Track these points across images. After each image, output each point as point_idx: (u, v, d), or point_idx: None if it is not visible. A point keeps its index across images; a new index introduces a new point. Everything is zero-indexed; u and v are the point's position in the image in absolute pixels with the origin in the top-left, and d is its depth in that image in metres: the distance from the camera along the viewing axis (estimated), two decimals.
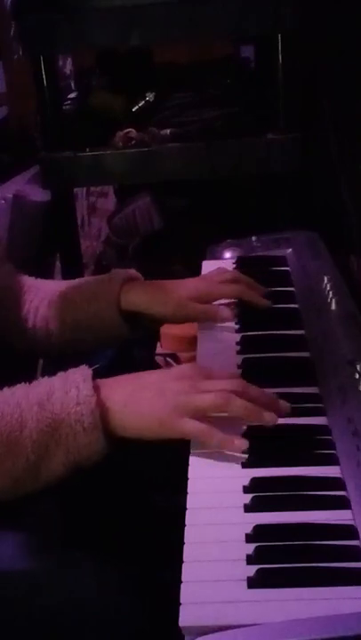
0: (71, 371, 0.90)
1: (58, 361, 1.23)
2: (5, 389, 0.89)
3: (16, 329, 1.27)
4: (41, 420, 0.85)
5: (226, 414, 0.88)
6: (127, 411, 0.88)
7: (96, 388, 0.87)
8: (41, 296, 1.27)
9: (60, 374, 0.90)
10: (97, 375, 0.91)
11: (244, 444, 0.87)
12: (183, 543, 0.76)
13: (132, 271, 1.27)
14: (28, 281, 1.31)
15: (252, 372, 1.03)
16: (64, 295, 1.25)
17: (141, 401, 0.88)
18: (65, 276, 2.09)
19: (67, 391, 0.86)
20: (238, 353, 1.11)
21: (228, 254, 1.45)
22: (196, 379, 0.90)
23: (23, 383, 0.89)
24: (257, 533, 0.77)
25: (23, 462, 0.85)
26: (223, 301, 1.22)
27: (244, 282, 1.23)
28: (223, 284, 1.22)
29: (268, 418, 0.88)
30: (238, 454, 0.88)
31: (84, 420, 0.85)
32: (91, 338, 1.25)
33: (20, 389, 0.89)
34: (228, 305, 1.22)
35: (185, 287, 1.22)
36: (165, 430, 0.87)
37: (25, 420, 0.85)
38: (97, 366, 0.94)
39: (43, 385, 0.89)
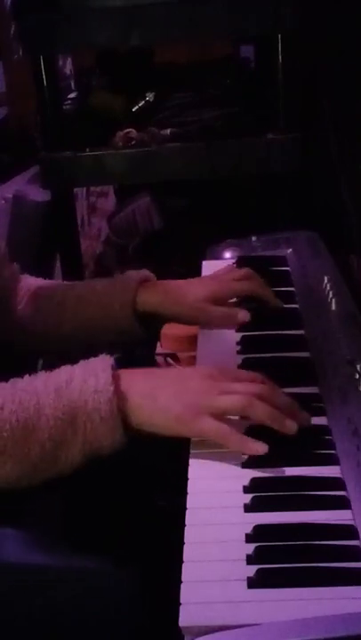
0: (92, 359, 0.89)
1: (58, 360, 1.23)
2: (26, 377, 0.88)
3: (16, 329, 1.27)
4: (58, 408, 0.84)
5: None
6: (145, 404, 0.86)
7: (116, 378, 0.86)
8: (44, 296, 1.27)
9: (82, 362, 0.88)
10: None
11: (262, 447, 0.85)
12: (183, 543, 0.76)
13: (146, 272, 1.26)
14: (31, 281, 1.31)
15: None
16: (77, 296, 1.25)
17: (161, 396, 0.87)
18: (65, 276, 2.09)
19: (85, 379, 0.85)
20: (238, 353, 1.11)
21: (228, 254, 1.45)
22: (219, 379, 0.89)
23: (44, 371, 0.88)
24: (257, 533, 0.77)
25: (39, 449, 0.84)
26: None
27: (256, 279, 1.23)
28: (236, 282, 1.22)
29: (290, 426, 0.87)
30: (238, 454, 0.88)
31: (101, 409, 0.84)
32: (104, 339, 1.24)
33: (40, 376, 0.88)
34: (237, 304, 1.21)
35: (199, 287, 1.22)
36: (182, 428, 0.86)
37: (42, 407, 0.84)
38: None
39: (63, 372, 0.88)
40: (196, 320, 1.21)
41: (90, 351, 0.94)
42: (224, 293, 1.21)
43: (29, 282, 1.31)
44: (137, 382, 0.88)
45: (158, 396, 0.87)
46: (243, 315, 1.19)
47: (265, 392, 0.88)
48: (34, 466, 0.85)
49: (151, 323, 1.23)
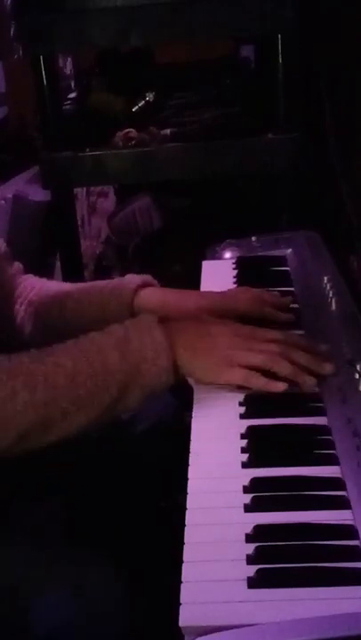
0: (140, 318, 1.03)
1: None
2: (82, 337, 0.99)
3: (12, 328, 1.27)
4: (123, 366, 0.97)
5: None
6: (187, 355, 1.00)
7: (166, 333, 0.99)
8: (41, 296, 1.27)
9: (131, 322, 1.02)
10: None
11: (283, 385, 0.97)
12: (183, 543, 0.76)
13: (148, 277, 1.26)
14: (34, 281, 1.31)
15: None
16: (77, 300, 1.25)
17: (200, 349, 1.00)
18: (65, 276, 2.09)
19: (142, 338, 0.98)
20: None
21: (228, 254, 1.45)
22: (251, 336, 1.02)
23: (95, 332, 1.00)
24: (257, 533, 0.77)
25: (108, 400, 0.96)
26: None
27: (264, 299, 1.20)
28: (237, 301, 1.19)
29: (308, 382, 0.98)
30: (237, 453, 0.88)
31: (159, 364, 0.98)
32: None
33: (95, 337, 0.99)
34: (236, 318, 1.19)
35: (200, 298, 1.22)
36: (214, 376, 1.00)
37: (109, 366, 0.96)
38: None
39: (116, 331, 1.00)
40: None
41: None
42: (223, 307, 1.19)
43: (32, 282, 1.31)
44: (183, 334, 1.01)
45: (198, 349, 1.00)
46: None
47: (287, 351, 0.99)
48: (101, 414, 0.97)
49: None
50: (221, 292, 1.24)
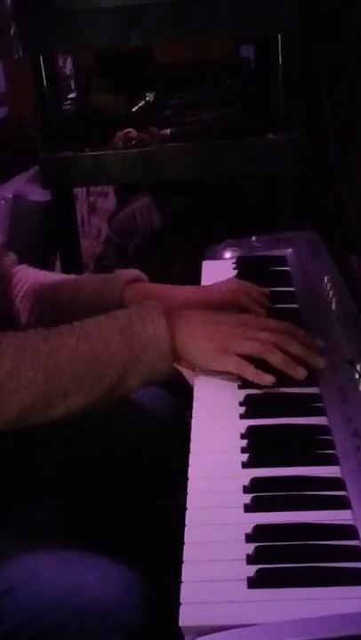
0: (144, 305, 1.04)
1: None
2: (86, 320, 1.01)
3: (10, 319, 1.27)
4: (124, 349, 0.99)
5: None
6: (187, 341, 1.02)
7: (168, 322, 1.01)
8: (36, 287, 1.28)
9: (135, 307, 1.04)
10: None
11: (271, 377, 0.99)
12: (183, 543, 0.76)
13: (137, 272, 1.28)
14: (30, 272, 1.32)
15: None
16: (67, 290, 1.26)
17: (199, 335, 1.03)
18: None
19: (144, 324, 1.00)
20: None
21: (228, 254, 1.45)
22: (249, 326, 1.04)
23: (102, 315, 1.03)
24: (257, 533, 0.77)
25: (108, 382, 0.99)
26: None
27: (243, 290, 1.22)
28: (220, 293, 1.21)
29: (299, 373, 1.00)
30: (237, 452, 0.88)
31: (160, 349, 1.00)
32: None
33: (101, 320, 1.02)
34: None
35: (183, 293, 1.22)
36: (211, 362, 1.02)
37: (111, 349, 0.99)
38: None
39: (120, 317, 1.02)
40: None
41: None
42: (204, 303, 1.20)
43: (27, 272, 1.32)
44: (183, 322, 1.03)
45: (197, 335, 1.03)
46: None
47: (283, 341, 1.01)
48: (100, 396, 0.99)
49: None
50: (209, 287, 1.26)
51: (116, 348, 0.99)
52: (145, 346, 0.99)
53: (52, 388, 0.96)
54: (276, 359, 1.00)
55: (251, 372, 1.00)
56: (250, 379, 1.00)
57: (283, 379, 1.00)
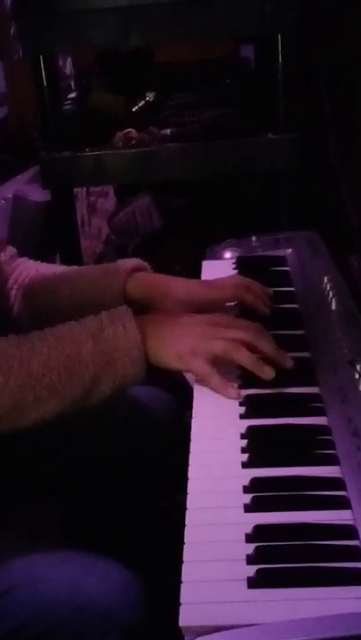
0: (114, 310, 1.03)
1: None
2: (59, 325, 1.01)
3: (7, 313, 1.27)
4: (96, 354, 0.98)
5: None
6: (158, 344, 1.01)
7: (139, 326, 1.01)
8: (35, 280, 1.28)
9: (105, 313, 1.02)
10: None
11: (237, 393, 0.99)
12: (183, 543, 0.76)
13: (139, 261, 1.27)
14: (30, 265, 1.31)
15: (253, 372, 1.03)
16: (68, 282, 1.26)
17: (168, 338, 1.02)
18: None
19: (115, 329, 1.00)
20: None
21: (228, 254, 1.45)
22: (219, 325, 1.03)
23: (73, 321, 1.02)
24: (257, 533, 0.77)
25: (80, 388, 0.98)
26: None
27: (247, 287, 1.21)
28: (223, 289, 1.21)
29: (267, 372, 1.00)
30: (237, 453, 0.88)
31: (131, 354, 0.99)
32: None
33: (73, 326, 1.01)
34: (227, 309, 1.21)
35: (185, 286, 1.22)
36: (182, 364, 1.01)
37: (82, 354, 0.98)
38: None
39: (91, 322, 1.01)
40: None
41: None
42: (206, 297, 1.20)
43: (27, 266, 1.31)
44: (155, 326, 1.03)
45: (166, 339, 1.02)
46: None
47: (252, 339, 1.01)
48: (73, 402, 0.98)
49: (141, 313, 1.23)
50: (211, 281, 1.25)
51: (88, 354, 0.98)
52: (116, 350, 0.99)
53: (24, 396, 0.95)
54: (243, 358, 1.00)
55: (215, 383, 1.00)
56: (213, 388, 1.00)
57: (283, 379, 1.00)
